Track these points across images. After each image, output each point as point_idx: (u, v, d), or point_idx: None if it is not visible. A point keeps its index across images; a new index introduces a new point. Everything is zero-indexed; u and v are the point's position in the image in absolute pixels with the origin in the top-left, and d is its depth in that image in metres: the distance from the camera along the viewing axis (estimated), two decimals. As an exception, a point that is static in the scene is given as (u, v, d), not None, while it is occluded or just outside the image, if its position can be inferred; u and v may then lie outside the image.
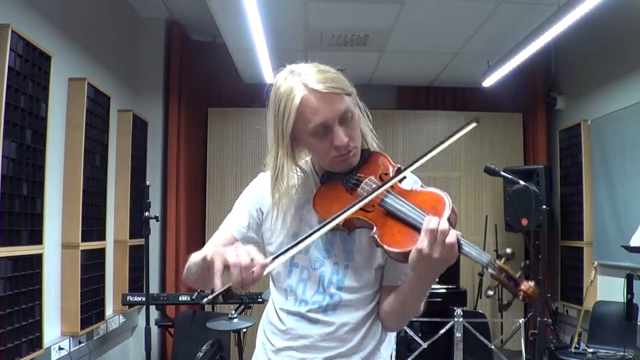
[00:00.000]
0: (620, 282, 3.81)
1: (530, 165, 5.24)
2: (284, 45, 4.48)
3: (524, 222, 4.64)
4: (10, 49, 2.61)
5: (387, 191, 1.26)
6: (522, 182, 3.43)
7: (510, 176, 3.38)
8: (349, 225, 1.27)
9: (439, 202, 1.21)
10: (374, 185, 1.28)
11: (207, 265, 1.18)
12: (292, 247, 1.19)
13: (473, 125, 1.29)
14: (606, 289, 4.29)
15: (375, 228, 1.23)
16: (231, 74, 5.03)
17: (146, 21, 4.76)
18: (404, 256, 1.18)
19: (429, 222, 1.13)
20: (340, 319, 1.33)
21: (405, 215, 1.21)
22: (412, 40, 4.49)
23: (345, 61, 4.88)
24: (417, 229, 1.16)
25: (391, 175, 1.30)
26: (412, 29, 4.21)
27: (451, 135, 1.29)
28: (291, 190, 1.36)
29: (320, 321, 1.33)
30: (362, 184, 1.30)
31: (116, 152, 4.18)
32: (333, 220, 1.22)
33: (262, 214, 1.42)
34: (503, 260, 1.13)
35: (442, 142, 1.28)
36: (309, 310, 1.33)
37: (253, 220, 1.42)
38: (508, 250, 1.15)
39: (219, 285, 1.08)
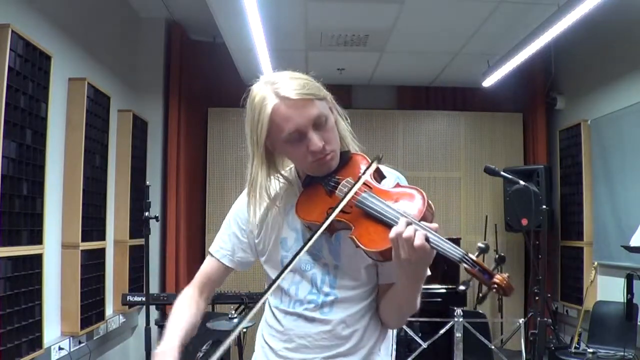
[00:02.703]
0: (620, 282, 3.81)
1: (530, 165, 5.24)
2: (284, 45, 4.48)
3: (524, 222, 4.64)
4: (10, 49, 2.61)
5: (364, 191, 1.26)
6: (522, 182, 3.43)
7: (510, 176, 3.38)
8: (330, 229, 1.27)
9: (413, 199, 1.22)
10: (350, 186, 1.29)
11: None
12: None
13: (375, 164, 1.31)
14: (606, 289, 4.29)
15: (353, 228, 1.23)
16: (231, 74, 5.03)
17: (146, 21, 4.76)
18: (382, 255, 1.19)
19: (396, 228, 1.14)
20: (337, 317, 1.33)
21: (379, 214, 1.21)
22: (412, 40, 4.49)
23: (345, 61, 4.94)
24: (391, 227, 1.16)
25: (370, 176, 1.30)
26: (412, 29, 4.21)
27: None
28: (275, 199, 1.38)
29: (317, 319, 1.33)
30: (340, 186, 1.31)
31: (116, 152, 4.18)
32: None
33: (251, 230, 1.43)
34: (477, 254, 1.13)
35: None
36: (305, 309, 1.33)
37: (239, 241, 1.45)
38: (481, 245, 1.14)
39: None
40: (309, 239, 1.24)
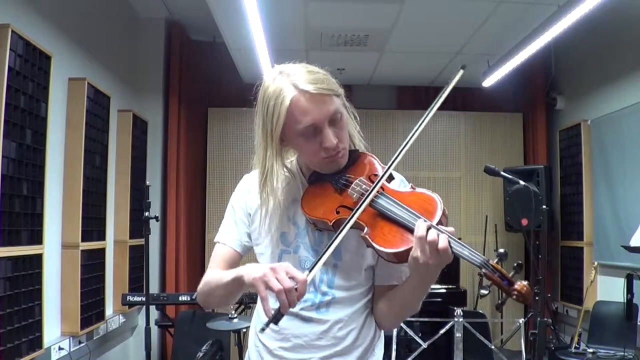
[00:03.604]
0: (620, 282, 3.81)
1: (530, 165, 5.24)
2: (284, 45, 4.48)
3: (524, 222, 4.64)
4: (10, 49, 2.61)
5: (378, 192, 1.26)
6: (522, 182, 3.43)
7: (510, 176, 3.38)
8: (337, 226, 1.26)
9: (430, 203, 1.22)
10: (364, 186, 1.29)
11: (240, 284, 1.23)
12: (324, 253, 1.20)
13: (460, 72, 1.30)
14: (606, 289, 4.29)
15: (366, 229, 1.23)
16: (231, 74, 5.03)
17: (146, 21, 4.76)
18: (396, 256, 1.19)
19: (418, 230, 1.13)
20: (334, 317, 1.33)
21: (396, 216, 1.21)
22: (412, 40, 4.49)
23: (345, 61, 4.93)
24: (408, 230, 1.17)
25: (380, 174, 1.30)
26: (412, 29, 4.21)
27: (440, 96, 1.32)
28: (277, 191, 1.36)
29: (314, 319, 1.33)
30: (353, 185, 1.31)
31: (116, 152, 4.18)
32: (349, 220, 1.22)
33: (250, 216, 1.43)
34: (496, 260, 1.14)
35: (430, 110, 1.31)
36: (302, 309, 1.33)
37: (244, 225, 1.44)
38: (501, 250, 1.16)
39: (269, 310, 1.12)
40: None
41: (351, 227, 1.26)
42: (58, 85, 3.21)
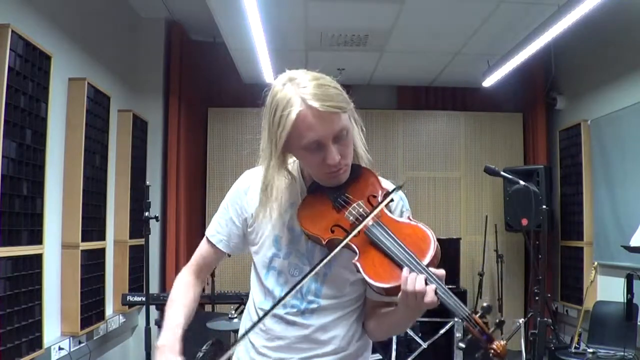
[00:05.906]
0: (620, 282, 3.80)
1: (530, 165, 5.24)
2: (284, 45, 4.48)
3: (524, 222, 4.64)
4: (10, 49, 2.62)
5: (375, 219, 1.26)
6: (522, 182, 3.43)
7: (510, 176, 3.38)
8: (330, 246, 1.27)
9: (424, 241, 1.22)
10: (361, 210, 1.29)
11: None
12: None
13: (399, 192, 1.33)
14: (606, 289, 4.29)
15: (357, 255, 1.23)
16: (231, 74, 5.04)
17: (146, 21, 4.76)
18: (387, 291, 1.20)
19: (407, 283, 1.15)
20: (318, 322, 1.34)
21: (388, 250, 1.21)
22: (412, 40, 4.49)
23: (345, 61, 4.94)
24: (399, 266, 1.18)
25: (379, 198, 1.30)
26: (412, 29, 4.21)
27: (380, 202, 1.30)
28: (276, 193, 1.36)
29: (297, 323, 1.34)
30: (350, 208, 1.30)
31: (116, 152, 4.18)
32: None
33: (246, 214, 1.42)
34: (479, 314, 1.16)
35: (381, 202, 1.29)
36: (287, 313, 1.34)
37: (235, 226, 1.44)
38: (485, 305, 1.18)
39: None
40: (314, 268, 1.23)
41: (342, 248, 1.26)
42: (58, 85, 3.21)
